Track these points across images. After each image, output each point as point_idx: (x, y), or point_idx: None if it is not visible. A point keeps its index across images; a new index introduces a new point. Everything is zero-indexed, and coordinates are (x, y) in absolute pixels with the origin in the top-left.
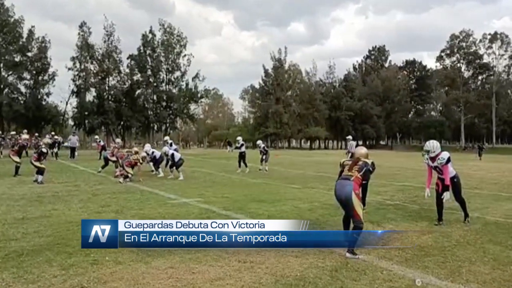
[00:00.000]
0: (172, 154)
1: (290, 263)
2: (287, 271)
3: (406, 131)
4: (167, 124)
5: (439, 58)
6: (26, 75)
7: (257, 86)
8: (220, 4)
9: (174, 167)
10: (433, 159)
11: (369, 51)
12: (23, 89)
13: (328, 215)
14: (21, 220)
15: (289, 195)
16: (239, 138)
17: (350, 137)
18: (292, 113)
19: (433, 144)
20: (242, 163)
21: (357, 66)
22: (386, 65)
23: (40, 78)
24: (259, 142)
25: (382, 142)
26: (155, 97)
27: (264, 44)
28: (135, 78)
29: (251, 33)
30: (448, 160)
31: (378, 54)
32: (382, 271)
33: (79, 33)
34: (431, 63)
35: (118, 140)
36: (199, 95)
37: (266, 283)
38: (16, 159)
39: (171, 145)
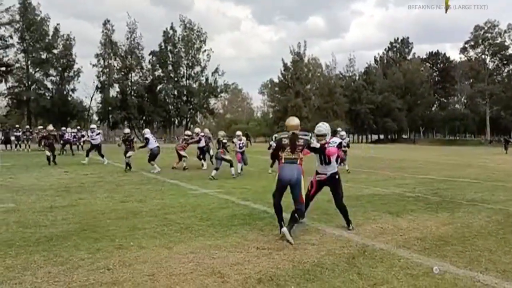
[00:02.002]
0: (147, 139)
1: (308, 250)
2: (305, 258)
3: (429, 125)
4: (188, 119)
5: (463, 50)
6: (52, 71)
7: (276, 80)
8: None
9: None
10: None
11: (391, 43)
12: (49, 85)
13: (346, 206)
14: (49, 208)
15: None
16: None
17: (339, 128)
18: (312, 106)
19: (327, 127)
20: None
21: (378, 59)
22: (410, 57)
23: (65, 74)
24: (344, 133)
25: (404, 136)
26: (175, 92)
27: (282, 39)
28: (156, 73)
29: (269, 27)
30: (340, 145)
31: (401, 46)
32: (400, 259)
33: (102, 31)
34: (454, 55)
35: (188, 132)
36: (218, 89)
37: (283, 269)
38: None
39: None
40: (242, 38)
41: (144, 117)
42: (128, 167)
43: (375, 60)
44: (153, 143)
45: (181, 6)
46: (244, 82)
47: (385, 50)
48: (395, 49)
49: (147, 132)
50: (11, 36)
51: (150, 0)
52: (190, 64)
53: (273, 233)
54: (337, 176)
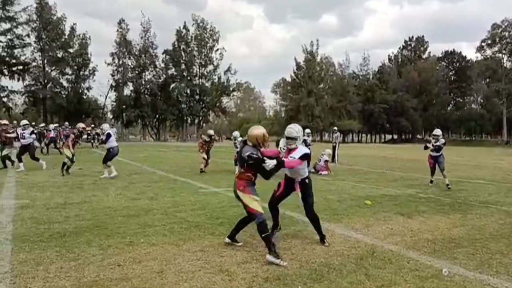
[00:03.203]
0: (108, 134)
1: (316, 251)
2: (312, 258)
3: (444, 125)
4: (200, 117)
5: (480, 49)
6: (68, 70)
7: (288, 79)
8: None
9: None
10: (290, 151)
11: (406, 41)
12: (65, 84)
13: (356, 207)
14: (63, 205)
15: (319, 186)
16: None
17: (335, 128)
18: (324, 105)
19: (299, 130)
20: None
21: (392, 58)
22: (425, 56)
23: (81, 73)
24: (438, 132)
25: (419, 136)
26: (188, 91)
27: (294, 37)
28: (169, 72)
29: (282, 26)
30: (305, 156)
31: (416, 44)
32: (409, 261)
33: (117, 30)
34: (470, 54)
35: (211, 131)
36: (231, 88)
37: (291, 268)
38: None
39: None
40: (254, 36)
41: (157, 116)
42: (65, 171)
43: (389, 59)
44: (114, 142)
45: (195, 5)
46: (256, 80)
47: (399, 48)
48: (409, 47)
49: (107, 127)
50: (28, 35)
51: None
52: (202, 63)
53: (281, 233)
54: (307, 181)
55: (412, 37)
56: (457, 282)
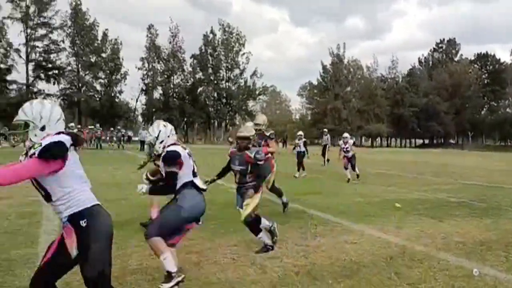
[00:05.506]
0: None
1: (346, 249)
2: (342, 256)
3: (478, 129)
4: (227, 121)
5: None
6: (101, 74)
7: (314, 82)
8: (274, 1)
9: None
10: None
11: (437, 43)
12: (98, 88)
13: (386, 209)
14: (103, 202)
15: (348, 190)
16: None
17: (325, 130)
18: (352, 109)
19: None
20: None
21: (423, 60)
22: (457, 58)
23: (113, 77)
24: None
25: (451, 141)
26: (215, 94)
27: (320, 40)
28: (197, 76)
29: (307, 29)
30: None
31: (447, 47)
32: (439, 261)
33: (147, 35)
34: (504, 57)
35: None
36: (257, 92)
37: (321, 264)
38: None
39: None
40: (279, 40)
41: (185, 119)
42: None
43: (420, 62)
44: None
45: (220, 10)
46: (282, 84)
47: (430, 51)
48: (441, 50)
49: None
50: (63, 41)
51: (191, 4)
52: (229, 67)
53: (310, 232)
54: (83, 223)
55: (443, 39)
56: (487, 282)
